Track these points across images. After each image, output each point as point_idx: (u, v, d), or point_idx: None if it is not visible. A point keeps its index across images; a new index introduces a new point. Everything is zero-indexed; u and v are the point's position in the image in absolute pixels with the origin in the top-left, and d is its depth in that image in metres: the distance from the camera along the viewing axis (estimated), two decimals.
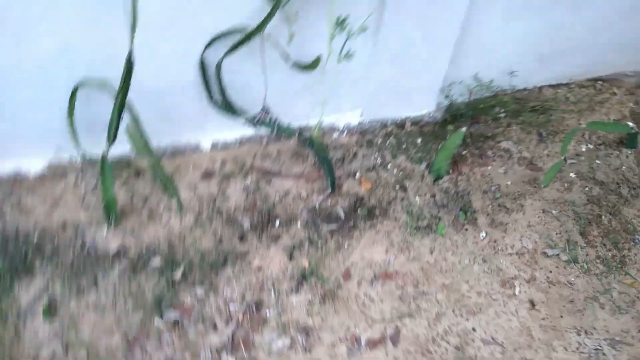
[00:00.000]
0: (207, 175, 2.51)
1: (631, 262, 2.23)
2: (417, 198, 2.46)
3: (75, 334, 1.96)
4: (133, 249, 2.23)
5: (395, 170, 2.56)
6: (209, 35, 2.05)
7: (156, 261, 2.19)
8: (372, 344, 1.99)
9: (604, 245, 2.28)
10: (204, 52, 2.11)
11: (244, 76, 2.31)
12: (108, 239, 2.26)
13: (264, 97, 2.37)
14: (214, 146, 2.60)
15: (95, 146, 2.16)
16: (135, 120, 2.01)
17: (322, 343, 1.99)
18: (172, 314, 2.04)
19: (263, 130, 2.58)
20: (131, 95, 1.95)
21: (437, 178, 2.52)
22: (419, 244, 2.29)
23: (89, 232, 2.27)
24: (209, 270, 2.18)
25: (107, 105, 1.97)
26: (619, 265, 2.22)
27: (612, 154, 2.60)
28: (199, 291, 2.11)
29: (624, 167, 2.54)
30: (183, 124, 2.49)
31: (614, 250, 2.26)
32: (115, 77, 1.89)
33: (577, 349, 1.99)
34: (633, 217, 2.37)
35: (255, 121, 2.42)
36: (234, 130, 2.60)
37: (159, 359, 1.92)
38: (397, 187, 2.50)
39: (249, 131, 2.61)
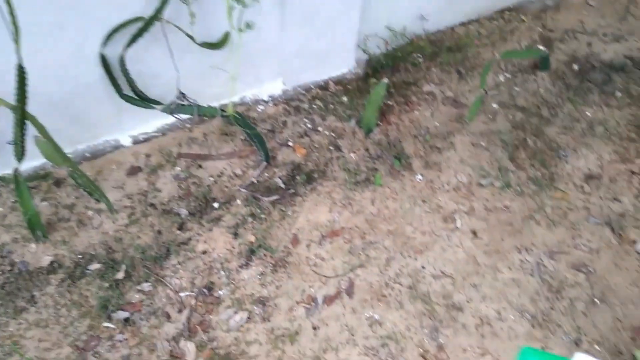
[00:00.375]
0: (133, 171, 2.59)
1: (559, 177, 2.52)
2: (352, 154, 2.64)
3: (20, 356, 2.02)
4: (68, 259, 2.29)
5: (327, 132, 2.73)
6: (105, 30, 2.13)
7: (95, 266, 2.26)
8: (329, 300, 2.16)
9: (533, 166, 2.55)
10: (103, 48, 2.19)
11: (153, 65, 2.40)
12: (38, 255, 2.30)
13: (177, 83, 2.47)
14: (135, 141, 2.68)
15: (6, 165, 2.19)
16: (42, 130, 2.04)
17: (279, 310, 2.14)
18: (121, 314, 2.13)
19: (184, 116, 2.68)
20: (35, 106, 1.95)
21: (368, 132, 2.71)
22: (360, 197, 2.48)
23: (17, 251, 2.30)
24: (153, 264, 2.28)
25: (9, 122, 1.98)
26: (549, 182, 2.50)
27: (528, 79, 2.88)
28: (146, 286, 2.21)
29: (541, 90, 2.83)
30: (97, 124, 2.55)
31: (543, 169, 2.54)
32: (10, 91, 1.91)
33: (520, 266, 2.24)
34: (555, 135, 2.66)
35: (172, 108, 2.51)
36: (153, 121, 2.68)
37: (115, 358, 2.02)
38: (331, 147, 2.67)
39: (169, 119, 2.70)
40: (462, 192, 2.48)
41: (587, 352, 1.98)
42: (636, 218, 2.35)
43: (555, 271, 2.20)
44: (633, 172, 2.50)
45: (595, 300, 2.11)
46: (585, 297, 2.12)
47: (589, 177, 2.51)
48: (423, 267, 2.25)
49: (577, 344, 1.99)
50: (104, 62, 2.25)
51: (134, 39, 2.15)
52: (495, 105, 2.79)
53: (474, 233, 2.34)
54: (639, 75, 2.90)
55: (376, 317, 2.11)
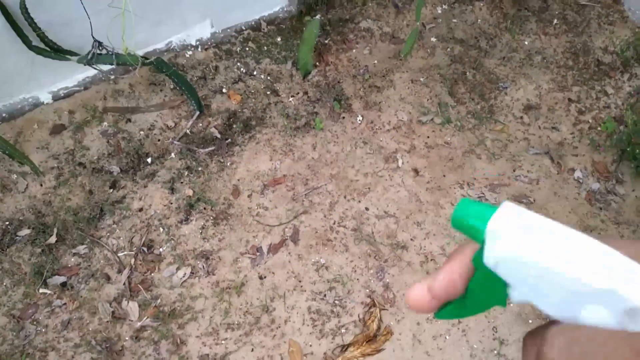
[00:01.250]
0: (57, 129, 2.45)
1: (499, 110, 2.55)
2: (291, 99, 2.58)
3: None
4: None
5: (262, 76, 2.65)
6: None
7: (24, 232, 2.17)
8: (274, 248, 2.16)
9: (472, 99, 2.57)
10: None
11: (62, 12, 2.22)
12: None
13: (91, 30, 2.31)
14: (56, 97, 2.52)
15: None
16: None
17: (224, 262, 2.13)
18: (57, 279, 2.07)
19: (107, 68, 2.53)
20: None
21: (306, 74, 2.64)
22: (301, 143, 2.44)
23: None
24: (87, 225, 2.20)
25: None
26: (489, 115, 2.53)
27: (466, 9, 2.85)
28: (82, 249, 2.15)
29: (479, 21, 2.82)
30: (9, 81, 2.37)
31: (482, 102, 2.56)
32: None
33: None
34: (494, 66, 2.67)
35: (89, 59, 2.36)
36: (74, 75, 2.52)
37: (55, 325, 1.98)
38: (268, 92, 2.60)
39: (90, 72, 2.54)
40: (402, 131, 2.48)
41: None
42: (574, 146, 2.43)
43: (496, 203, 2.26)
44: (570, 100, 2.56)
45: None
46: None
47: (528, 108, 2.55)
48: (367, 209, 2.27)
49: None
50: (4, 10, 2.06)
51: None
52: (433, 39, 2.77)
53: (416, 171, 2.37)
54: (574, 1, 2.92)
55: (322, 261, 2.14)
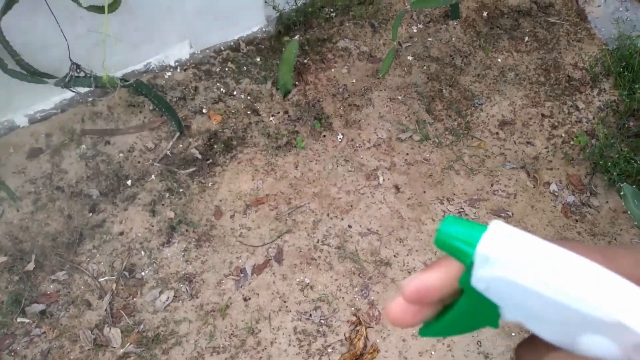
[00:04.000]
0: (33, 153, 2.39)
1: (475, 126, 2.58)
2: (271, 118, 2.57)
3: None
4: None
5: (242, 96, 2.63)
6: None
7: (1, 260, 2.10)
8: (258, 269, 2.13)
9: (450, 116, 2.60)
10: None
11: (39, 35, 2.18)
12: None
13: (68, 53, 2.27)
14: (32, 120, 2.46)
15: None
16: None
17: (207, 285, 2.09)
18: (36, 307, 2.00)
19: (84, 90, 2.48)
20: None
21: (286, 93, 2.64)
22: (283, 162, 2.43)
23: None
24: (66, 251, 2.14)
25: None
26: (466, 132, 2.56)
27: (440, 28, 2.89)
28: (61, 275, 2.08)
29: (453, 39, 2.86)
30: None
31: (459, 119, 2.59)
32: None
33: (443, 216, 2.31)
34: (469, 83, 2.71)
35: (67, 82, 2.31)
36: (51, 97, 2.47)
37: (34, 355, 1.91)
38: (249, 112, 2.58)
39: (68, 94, 2.49)
40: (382, 149, 2.49)
41: None
42: (549, 160, 2.47)
43: (476, 218, 2.28)
44: (544, 115, 2.61)
45: None
46: None
47: (503, 124, 2.59)
48: (350, 227, 2.26)
49: None
50: None
51: (8, 4, 1.92)
52: (410, 58, 2.79)
53: (397, 188, 2.37)
54: (544, 19, 2.99)
55: (307, 280, 2.12)
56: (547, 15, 3.01)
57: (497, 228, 0.29)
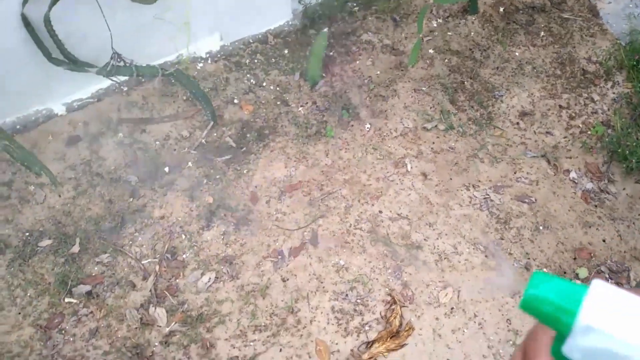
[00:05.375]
0: (73, 140, 2.41)
1: (497, 116, 2.64)
2: (300, 108, 2.61)
3: None
4: (14, 237, 2.13)
5: (272, 87, 2.67)
6: None
7: (46, 242, 2.13)
8: (295, 251, 2.18)
9: (472, 107, 2.65)
10: (24, 7, 1.98)
11: (83, 24, 2.21)
12: None
13: (110, 42, 2.29)
14: (70, 108, 2.48)
15: None
16: None
17: (247, 266, 2.13)
18: (82, 288, 2.03)
19: (121, 79, 2.50)
20: None
21: (314, 84, 2.68)
22: (314, 150, 2.47)
23: None
24: (109, 234, 2.17)
25: None
26: (488, 122, 2.61)
27: (460, 23, 2.95)
28: (105, 258, 2.11)
29: (472, 33, 2.91)
30: (25, 93, 2.34)
31: (481, 110, 2.65)
32: None
33: (470, 202, 2.36)
34: (489, 76, 2.76)
35: (108, 70, 2.34)
36: (87, 87, 2.50)
37: (83, 333, 1.94)
38: (279, 102, 2.62)
39: (103, 84, 2.52)
40: (409, 137, 2.53)
41: None
42: (567, 149, 2.53)
43: (501, 204, 2.34)
44: (561, 107, 2.67)
45: (539, 227, 2.27)
46: (530, 225, 2.27)
47: (523, 114, 2.65)
48: (380, 212, 2.30)
49: (527, 269, 2.15)
50: (27, 23, 2.04)
51: None
52: (431, 51, 2.84)
53: (424, 175, 2.42)
54: (558, 14, 3.05)
55: (342, 262, 2.16)
56: (560, 11, 3.08)
57: (598, 290, 0.26)
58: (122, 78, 2.50)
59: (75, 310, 2.00)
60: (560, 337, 0.27)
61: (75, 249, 2.12)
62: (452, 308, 2.06)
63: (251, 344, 1.97)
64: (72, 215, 2.21)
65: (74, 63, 2.23)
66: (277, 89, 2.66)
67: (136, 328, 1.97)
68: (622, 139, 2.45)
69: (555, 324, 0.27)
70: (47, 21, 2.03)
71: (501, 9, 3.07)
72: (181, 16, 2.42)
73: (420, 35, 2.55)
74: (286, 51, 2.78)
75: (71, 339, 1.94)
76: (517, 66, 2.82)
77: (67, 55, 2.19)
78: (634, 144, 2.41)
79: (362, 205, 2.32)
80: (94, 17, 2.17)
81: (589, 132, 2.59)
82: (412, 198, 2.35)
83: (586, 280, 2.14)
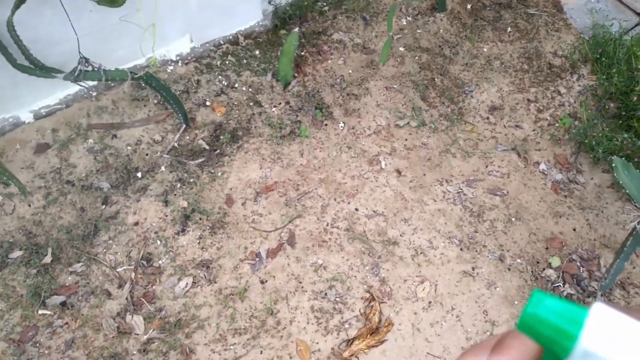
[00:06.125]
0: (41, 148, 2.34)
1: (467, 111, 2.66)
2: (274, 109, 2.59)
3: None
4: None
5: (244, 88, 2.64)
6: None
7: (16, 254, 2.06)
8: (272, 252, 2.16)
9: (443, 103, 2.67)
10: None
11: (48, 30, 2.15)
12: None
13: (77, 47, 2.23)
14: (38, 115, 2.41)
15: None
16: None
17: (224, 270, 2.10)
18: (56, 299, 1.98)
19: (89, 84, 2.44)
20: None
21: (286, 84, 2.66)
22: (289, 150, 2.45)
23: None
24: (82, 243, 2.12)
25: None
26: (459, 117, 2.63)
27: (429, 20, 2.96)
28: (78, 267, 2.06)
29: (441, 30, 2.93)
30: None
31: (452, 105, 2.67)
32: None
33: (444, 197, 2.38)
34: (459, 72, 2.79)
35: (75, 76, 2.28)
36: (55, 93, 2.43)
37: (58, 345, 1.88)
38: (251, 103, 2.59)
39: (71, 90, 2.45)
40: (382, 135, 2.54)
41: (510, 266, 2.17)
42: (536, 141, 2.57)
43: (474, 197, 2.36)
44: (529, 100, 2.71)
45: (512, 218, 2.30)
46: (502, 217, 2.30)
47: (493, 109, 2.67)
48: (356, 210, 2.30)
49: (501, 260, 2.18)
50: None
51: (20, 1, 1.89)
52: (401, 49, 2.85)
53: (398, 172, 2.43)
54: (523, 10, 3.09)
55: (320, 262, 2.15)
56: (526, 7, 3.12)
57: (600, 316, 0.25)
58: (91, 83, 2.44)
59: (49, 322, 1.94)
60: (550, 356, 0.26)
61: (48, 259, 2.06)
62: (430, 302, 2.07)
63: (231, 347, 1.94)
64: (43, 224, 2.15)
65: (40, 69, 2.16)
66: (250, 89, 2.63)
67: (113, 337, 1.93)
68: (588, 130, 2.50)
69: (553, 346, 0.25)
70: (11, 26, 1.97)
71: (468, 6, 3.10)
72: (149, 18, 2.37)
73: (391, 34, 2.55)
74: (257, 52, 2.76)
75: (46, 352, 1.89)
76: (486, 62, 2.85)
77: (32, 61, 2.12)
78: (600, 134, 2.46)
79: (338, 203, 2.31)
80: (60, 21, 2.11)
81: (557, 125, 2.63)
82: (387, 195, 2.36)
83: (558, 270, 2.17)
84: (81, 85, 2.32)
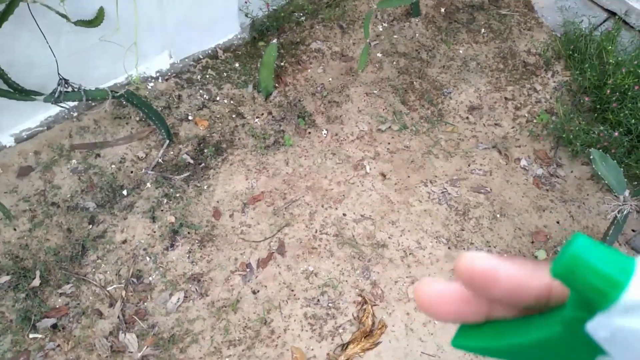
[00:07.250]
0: (24, 171, 2.32)
1: (447, 112, 2.70)
2: (256, 120, 2.60)
3: None
4: None
5: (225, 101, 2.65)
6: None
7: (3, 279, 2.03)
8: (263, 262, 2.16)
9: (423, 105, 2.70)
10: None
11: (26, 51, 2.14)
12: None
13: (57, 68, 2.22)
14: (19, 139, 2.39)
15: None
16: None
17: (216, 282, 2.10)
18: (47, 322, 1.95)
19: (70, 104, 2.43)
20: None
21: (268, 95, 2.67)
22: (273, 160, 2.46)
23: None
24: (70, 264, 2.10)
25: None
26: (439, 118, 2.67)
27: (404, 26, 3.01)
28: (68, 288, 2.04)
29: (417, 35, 2.98)
30: None
31: (432, 107, 2.70)
32: None
33: (429, 197, 2.40)
34: (437, 74, 2.83)
35: (55, 97, 2.27)
36: (36, 115, 2.42)
37: None
38: (234, 115, 2.60)
39: (52, 111, 2.44)
40: (365, 140, 2.56)
41: None
42: (516, 138, 2.61)
43: (458, 196, 2.39)
44: (507, 99, 2.76)
45: (497, 215, 2.33)
46: (487, 214, 2.33)
47: (472, 109, 2.72)
48: (344, 215, 2.31)
49: None
50: None
51: None
52: (379, 55, 2.89)
53: (383, 175, 2.45)
54: (496, 11, 3.15)
55: (311, 268, 2.16)
56: (498, 7, 3.18)
57: None
58: (72, 103, 2.43)
59: (41, 346, 1.92)
60: (587, 310, 0.22)
61: (36, 282, 2.03)
62: None
63: (227, 359, 1.94)
64: (29, 248, 2.13)
65: (19, 92, 2.15)
66: (231, 102, 2.64)
67: (107, 357, 1.91)
68: (565, 125, 2.55)
69: (593, 294, 0.22)
70: None
71: (442, 10, 3.15)
72: (128, 37, 2.37)
73: (368, 40, 2.59)
74: (237, 64, 2.77)
75: None
76: (462, 63, 2.90)
77: (11, 85, 2.11)
78: (577, 128, 2.51)
79: (326, 210, 2.32)
80: (38, 43, 2.10)
81: (535, 121, 2.68)
82: (374, 198, 2.37)
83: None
84: (62, 107, 2.30)
